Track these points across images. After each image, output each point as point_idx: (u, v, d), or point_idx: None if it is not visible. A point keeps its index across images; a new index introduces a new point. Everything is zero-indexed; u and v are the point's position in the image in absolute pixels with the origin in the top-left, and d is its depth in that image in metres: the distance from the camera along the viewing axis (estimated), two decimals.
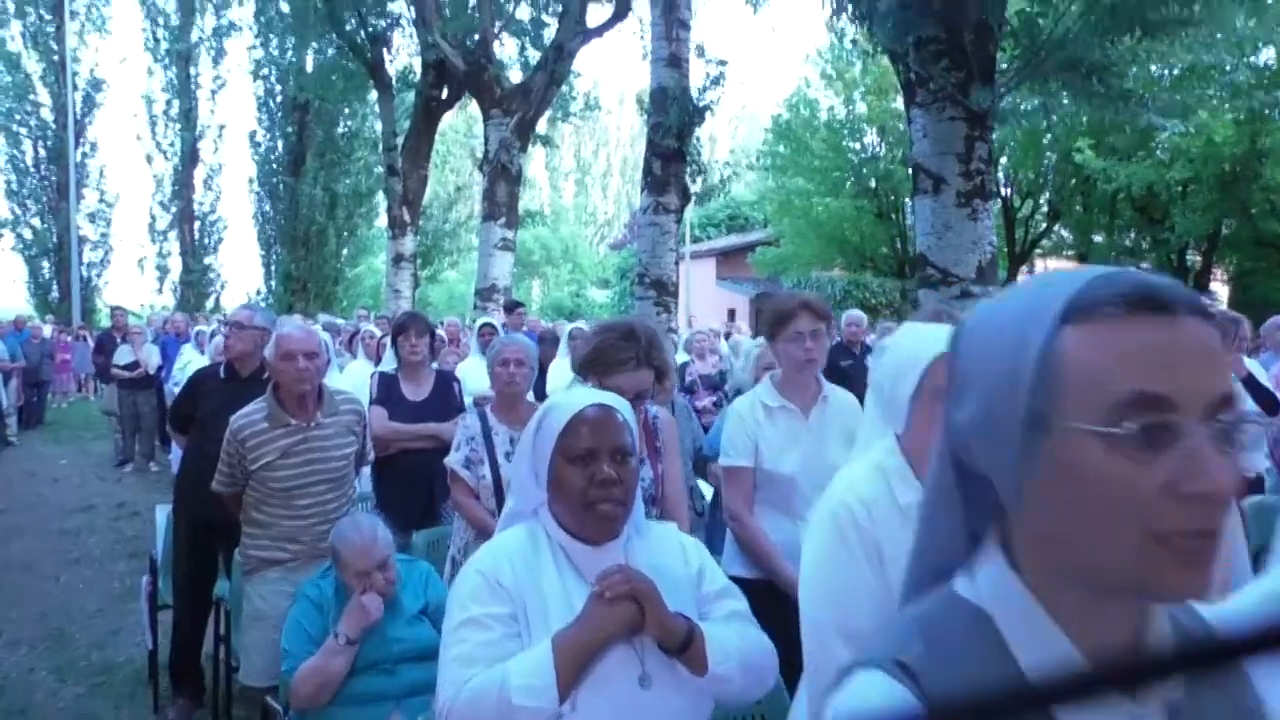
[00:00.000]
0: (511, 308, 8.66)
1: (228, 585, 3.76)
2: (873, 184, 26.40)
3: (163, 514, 4.31)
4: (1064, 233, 25.41)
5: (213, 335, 7.65)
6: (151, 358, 9.85)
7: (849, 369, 6.97)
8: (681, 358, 9.65)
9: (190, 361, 8.81)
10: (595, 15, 16.58)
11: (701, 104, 12.15)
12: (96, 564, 6.44)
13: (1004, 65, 7.75)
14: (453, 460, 3.31)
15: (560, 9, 16.33)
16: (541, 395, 6.62)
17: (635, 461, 1.57)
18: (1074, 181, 22.14)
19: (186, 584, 3.92)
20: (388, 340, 6.60)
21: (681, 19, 12.04)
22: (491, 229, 15.86)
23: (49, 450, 11.86)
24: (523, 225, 17.74)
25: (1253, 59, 16.61)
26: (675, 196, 12.06)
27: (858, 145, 26.68)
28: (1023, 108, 8.51)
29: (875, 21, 7.18)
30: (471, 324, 8.61)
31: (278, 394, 3.11)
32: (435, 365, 4.50)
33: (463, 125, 39.04)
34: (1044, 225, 25.07)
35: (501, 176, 15.90)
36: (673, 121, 11.79)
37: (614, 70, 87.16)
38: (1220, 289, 22.89)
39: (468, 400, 4.49)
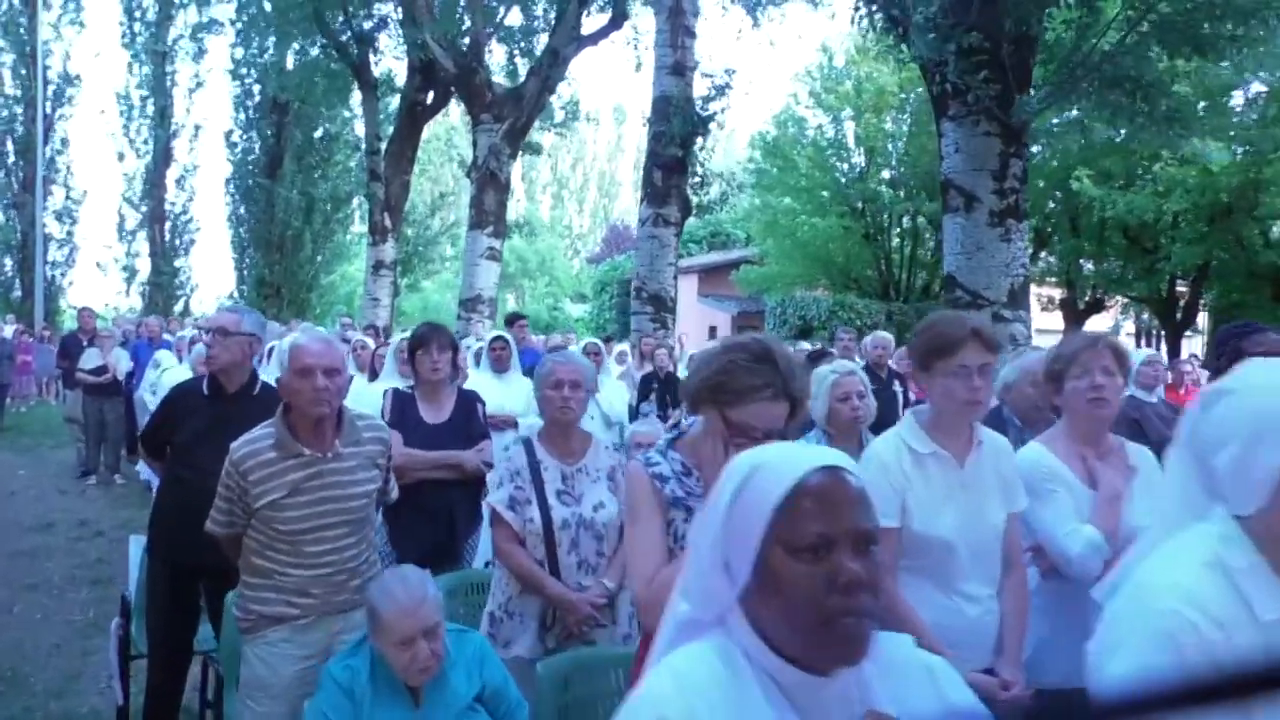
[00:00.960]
0: (512, 320, 8.13)
1: (213, 635, 3.24)
2: (859, 205, 26.18)
3: (136, 547, 3.76)
4: (1050, 259, 25.31)
5: (192, 342, 7.03)
6: (120, 363, 9.22)
7: (874, 395, 6.52)
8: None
9: (166, 369, 8.21)
10: (590, 24, 16.21)
11: (706, 113, 11.78)
12: (56, 592, 5.83)
13: (1038, 82, 7.39)
14: (495, 499, 2.81)
15: (555, 14, 15.89)
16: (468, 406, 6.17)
17: (881, 552, 1.08)
18: (1062, 209, 22.03)
19: (164, 632, 3.37)
20: (384, 352, 6.11)
21: (687, 26, 11.65)
22: (478, 238, 15.36)
23: (5, 458, 11.14)
24: (508, 235, 17.23)
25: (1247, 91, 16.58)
26: (676, 209, 11.63)
27: (845, 166, 26.41)
28: (1055, 126, 8.17)
29: (913, 31, 6.78)
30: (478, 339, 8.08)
31: (289, 418, 2.59)
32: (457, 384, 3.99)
33: (443, 133, 38.47)
34: (1030, 252, 24.92)
35: (490, 184, 15.40)
36: (676, 131, 11.37)
37: (592, 84, 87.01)
38: (1207, 321, 22.88)
39: None
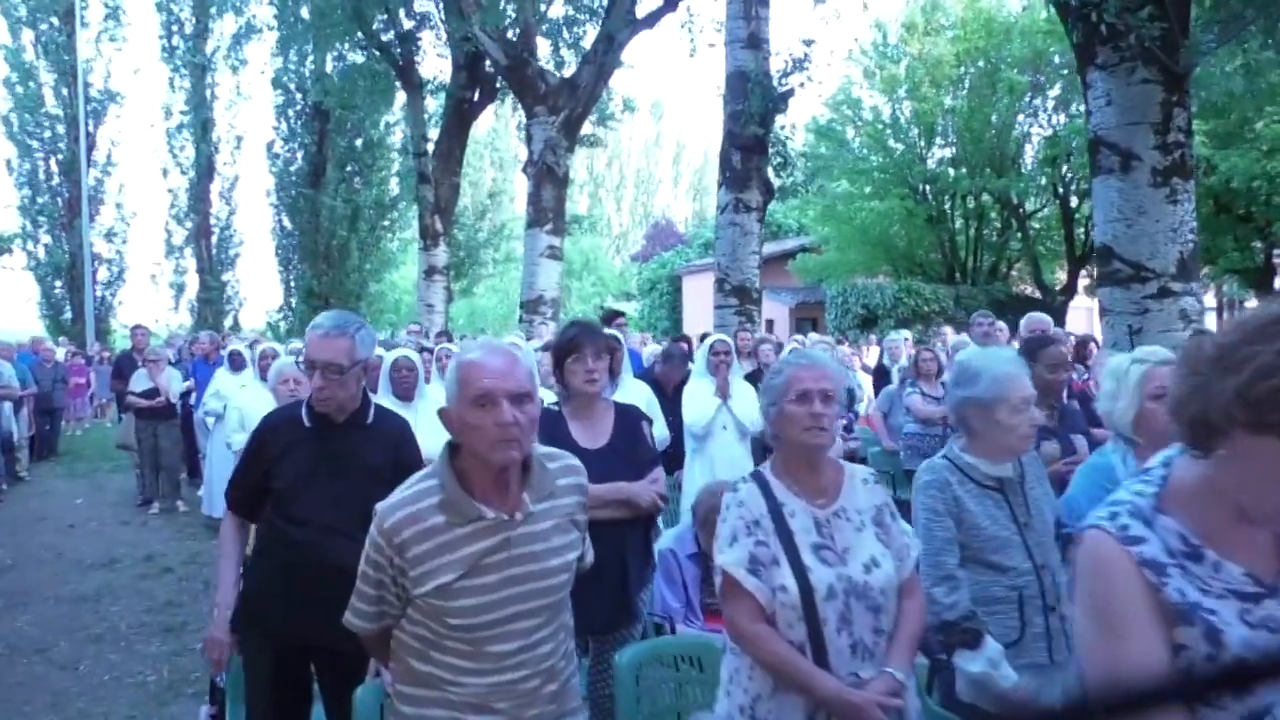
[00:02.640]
0: (611, 318, 7.32)
1: None
2: (920, 187, 25.12)
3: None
4: None
5: (261, 356, 6.32)
6: (173, 384, 8.61)
7: None
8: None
9: (223, 393, 7.55)
10: (642, 8, 15.42)
11: (784, 89, 10.92)
12: (124, 644, 5.16)
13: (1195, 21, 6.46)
14: (729, 561, 2.02)
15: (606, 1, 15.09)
16: (677, 429, 5.33)
17: None
18: None
19: None
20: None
21: None
22: (537, 236, 14.66)
23: (62, 486, 10.63)
24: (568, 232, 16.48)
25: None
26: (758, 193, 10.78)
27: (902, 146, 25.34)
28: (1217, 71, 7.20)
29: None
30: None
31: (458, 465, 1.83)
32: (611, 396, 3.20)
33: (486, 136, 37.94)
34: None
35: (547, 179, 14.68)
36: (754, 108, 10.52)
37: (628, 80, 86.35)
38: None
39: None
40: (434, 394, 5.08)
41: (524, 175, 15.42)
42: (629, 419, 3.00)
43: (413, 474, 2.84)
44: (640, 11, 15.26)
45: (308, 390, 4.53)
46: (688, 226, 59.79)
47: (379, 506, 1.83)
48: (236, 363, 7.79)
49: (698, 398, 5.39)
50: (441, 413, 1.84)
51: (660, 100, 69.15)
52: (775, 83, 10.73)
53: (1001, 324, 7.68)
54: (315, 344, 2.56)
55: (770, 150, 10.81)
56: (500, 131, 47.60)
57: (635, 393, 5.20)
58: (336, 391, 2.54)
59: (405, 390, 4.68)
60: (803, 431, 2.05)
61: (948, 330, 11.91)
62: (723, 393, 5.41)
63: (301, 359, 2.70)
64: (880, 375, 8.04)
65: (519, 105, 19.39)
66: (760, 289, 10.83)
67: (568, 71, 15.60)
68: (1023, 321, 5.99)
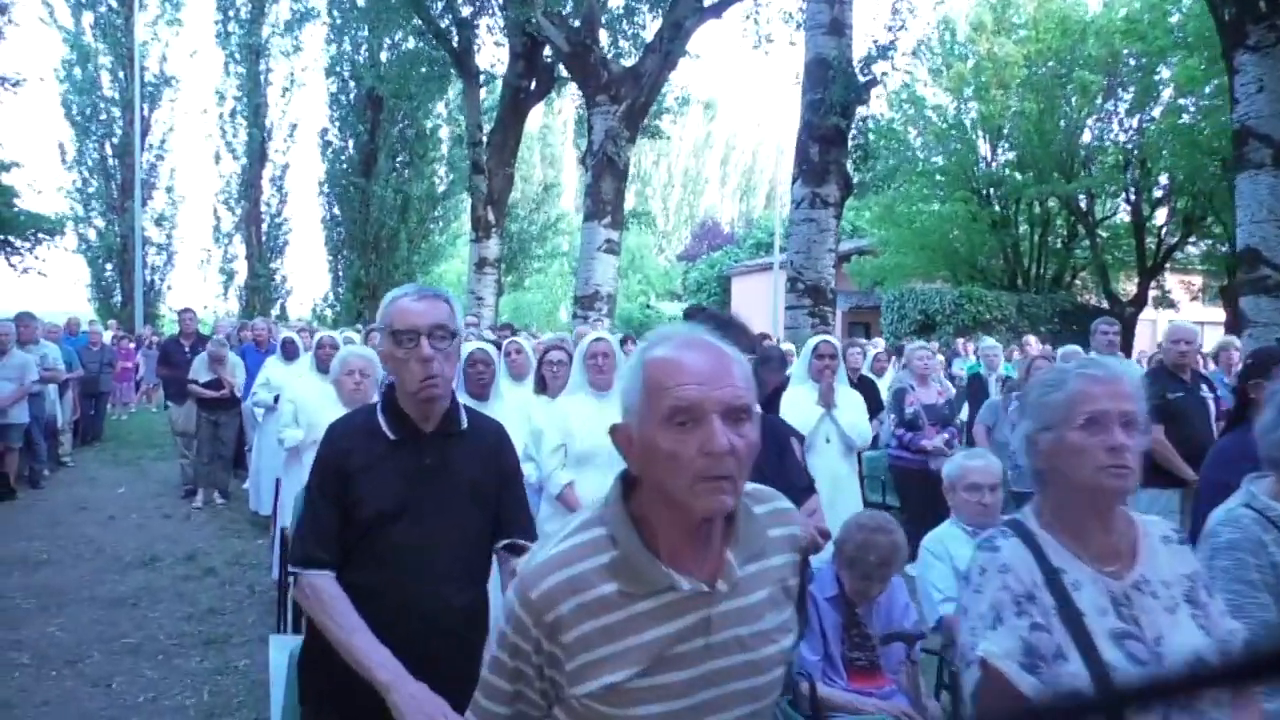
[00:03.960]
0: (695, 313, 6.67)
1: None
2: (985, 191, 24.27)
3: (279, 657, 2.52)
4: (1201, 244, 22.98)
5: (319, 345, 5.82)
6: (237, 373, 8.22)
7: (1179, 404, 5.01)
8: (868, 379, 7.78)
9: (274, 383, 7.10)
10: None
11: (867, 78, 10.29)
12: (161, 657, 4.70)
13: None
14: (995, 651, 1.44)
15: None
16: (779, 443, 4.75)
17: None
18: (1226, 184, 19.72)
19: None
20: (541, 356, 4.84)
21: None
22: (595, 229, 14.14)
23: (105, 473, 10.29)
24: (625, 227, 15.92)
25: None
26: (835, 187, 10.16)
27: (963, 147, 24.46)
28: None
29: None
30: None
31: (636, 507, 1.28)
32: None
33: (537, 132, 37.56)
34: (1177, 237, 22.64)
35: (607, 171, 14.14)
36: (836, 98, 9.90)
37: (680, 74, 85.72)
38: None
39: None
40: (507, 392, 4.57)
41: (582, 166, 14.92)
42: (776, 435, 2.43)
43: (515, 487, 2.32)
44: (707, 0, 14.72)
45: (374, 385, 4.07)
46: (734, 227, 59.14)
47: (521, 569, 1.28)
48: (290, 351, 7.35)
49: (798, 406, 4.80)
50: (615, 431, 1.28)
51: (714, 99, 68.21)
52: (858, 71, 10.12)
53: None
54: (413, 308, 1.99)
55: (850, 143, 10.19)
56: (551, 127, 47.28)
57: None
58: (447, 368, 1.99)
59: (481, 388, 4.15)
60: (1096, 471, 1.47)
61: (1031, 339, 11.22)
62: (826, 401, 4.84)
63: (380, 338, 2.09)
64: (976, 385, 7.39)
65: (578, 95, 19.00)
66: (834, 289, 10.22)
67: (625, 64, 15.07)
68: (1166, 331, 5.32)
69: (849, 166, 10.25)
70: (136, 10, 23.28)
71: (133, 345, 16.68)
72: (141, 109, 23.45)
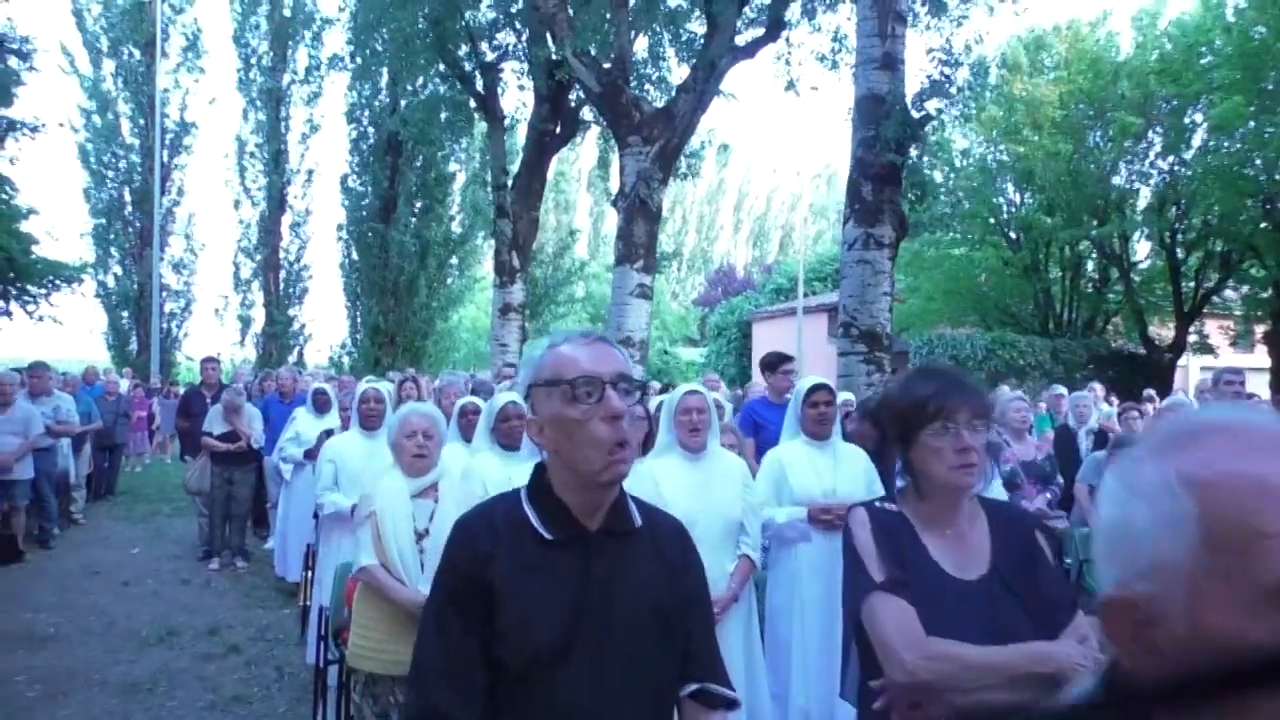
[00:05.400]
0: (779, 362, 5.99)
1: None
2: (1015, 235, 23.79)
3: None
4: (1240, 289, 22.41)
5: (362, 399, 5.18)
6: (254, 424, 7.68)
7: None
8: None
9: (304, 438, 6.55)
10: (742, 37, 14.54)
11: (921, 114, 9.83)
12: None
13: None
14: None
15: (708, 23, 14.19)
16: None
17: None
18: (1267, 226, 19.19)
19: None
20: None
21: (898, 10, 9.74)
22: (627, 273, 13.69)
23: (119, 531, 9.73)
24: (659, 271, 15.44)
25: None
26: (890, 228, 9.64)
27: (991, 191, 24.04)
28: None
29: None
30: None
31: None
32: None
33: (550, 179, 37.37)
34: (1215, 280, 22.05)
35: (639, 214, 13.72)
36: (890, 134, 9.43)
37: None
38: None
39: None
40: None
41: (614, 209, 14.51)
42: (1018, 528, 1.84)
43: (704, 610, 1.73)
44: (741, 40, 14.41)
45: (438, 449, 3.48)
46: (748, 272, 58.85)
47: None
48: (321, 404, 6.79)
49: (795, 464, 4.16)
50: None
51: (729, 144, 68.50)
52: (910, 107, 9.66)
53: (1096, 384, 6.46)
54: (589, 353, 1.47)
55: (905, 181, 9.70)
56: (566, 174, 47.18)
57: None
58: (635, 435, 1.44)
59: (515, 440, 3.73)
60: None
61: (1097, 387, 10.64)
62: None
63: (537, 401, 1.51)
64: (1065, 439, 6.78)
65: (606, 138, 18.67)
66: (890, 334, 9.66)
67: (657, 104, 14.72)
68: None
69: (904, 207, 9.75)
70: (158, 59, 23.18)
71: (145, 395, 16.19)
72: (162, 156, 23.26)
